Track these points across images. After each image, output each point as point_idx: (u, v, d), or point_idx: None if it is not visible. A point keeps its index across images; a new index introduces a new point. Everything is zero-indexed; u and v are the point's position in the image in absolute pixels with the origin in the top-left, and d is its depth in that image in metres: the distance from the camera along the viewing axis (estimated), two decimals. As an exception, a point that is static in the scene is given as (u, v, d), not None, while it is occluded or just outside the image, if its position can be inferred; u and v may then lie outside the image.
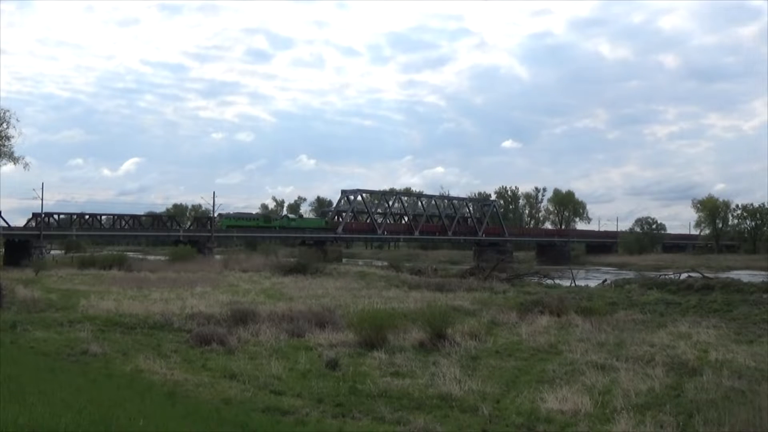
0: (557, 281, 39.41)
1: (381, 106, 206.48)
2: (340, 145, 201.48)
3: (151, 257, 71.41)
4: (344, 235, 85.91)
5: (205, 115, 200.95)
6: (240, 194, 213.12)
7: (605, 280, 40.33)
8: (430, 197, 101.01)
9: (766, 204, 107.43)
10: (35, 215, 64.84)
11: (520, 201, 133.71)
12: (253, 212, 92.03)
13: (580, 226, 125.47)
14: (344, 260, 71.31)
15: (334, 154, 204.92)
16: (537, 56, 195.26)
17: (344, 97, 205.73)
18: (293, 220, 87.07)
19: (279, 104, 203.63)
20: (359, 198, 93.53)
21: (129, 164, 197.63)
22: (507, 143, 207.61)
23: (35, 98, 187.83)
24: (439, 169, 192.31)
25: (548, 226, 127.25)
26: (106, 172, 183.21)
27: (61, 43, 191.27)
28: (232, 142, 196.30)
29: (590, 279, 47.07)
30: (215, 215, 79.11)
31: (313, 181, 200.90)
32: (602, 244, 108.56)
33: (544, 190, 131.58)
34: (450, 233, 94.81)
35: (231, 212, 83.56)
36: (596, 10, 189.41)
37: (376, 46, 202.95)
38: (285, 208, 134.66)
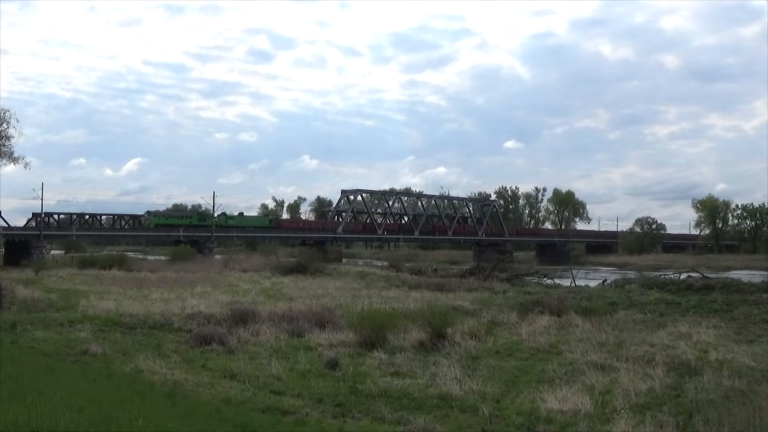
0: (557, 281, 39.37)
1: (382, 106, 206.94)
2: (341, 145, 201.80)
3: (151, 257, 71.44)
4: (344, 235, 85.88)
5: (207, 115, 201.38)
6: (242, 194, 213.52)
7: (605, 280, 40.30)
8: (430, 197, 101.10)
9: (766, 204, 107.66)
10: (35, 215, 64.85)
11: (520, 201, 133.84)
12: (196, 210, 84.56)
13: (580, 226, 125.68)
14: (344, 260, 71.28)
15: (336, 155, 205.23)
16: (538, 56, 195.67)
17: (346, 97, 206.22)
18: (231, 218, 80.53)
19: (280, 104, 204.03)
20: (359, 198, 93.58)
21: (131, 164, 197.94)
22: (508, 143, 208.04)
23: (37, 98, 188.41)
24: (441, 170, 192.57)
25: (548, 226, 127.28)
26: (108, 172, 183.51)
27: (63, 43, 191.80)
28: (233, 142, 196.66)
29: (590, 279, 47.06)
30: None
31: (315, 181, 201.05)
32: (602, 244, 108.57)
33: (544, 190, 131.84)
34: (450, 233, 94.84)
35: (162, 209, 77.17)
36: (598, 10, 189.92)
37: (377, 46, 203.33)
38: (285, 208, 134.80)
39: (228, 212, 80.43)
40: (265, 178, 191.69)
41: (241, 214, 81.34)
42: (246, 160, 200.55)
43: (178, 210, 78.47)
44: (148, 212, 74.67)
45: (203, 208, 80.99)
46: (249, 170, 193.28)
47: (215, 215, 77.35)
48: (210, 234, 72.55)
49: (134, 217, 75.68)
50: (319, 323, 17.97)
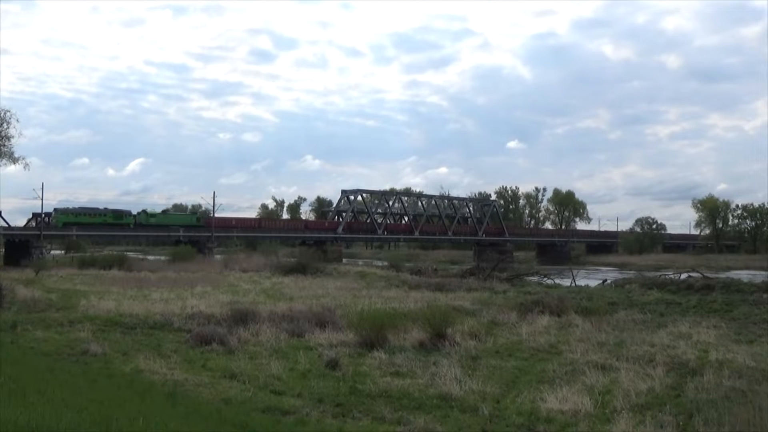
0: (557, 281, 39.39)
1: (384, 106, 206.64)
2: (343, 145, 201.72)
3: (151, 257, 71.38)
4: (344, 235, 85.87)
5: (208, 115, 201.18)
6: (243, 194, 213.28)
7: (605, 280, 40.30)
8: (430, 197, 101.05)
9: (766, 204, 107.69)
10: (35, 215, 64.65)
11: (521, 201, 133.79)
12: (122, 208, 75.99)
13: (581, 226, 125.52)
14: (344, 260, 71.29)
15: (337, 155, 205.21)
16: (540, 57, 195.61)
17: (347, 97, 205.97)
18: (153, 216, 72.13)
19: (282, 104, 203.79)
20: (359, 198, 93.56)
21: (133, 165, 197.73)
22: (510, 144, 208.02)
23: (38, 98, 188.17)
24: (443, 170, 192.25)
25: (548, 226, 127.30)
26: (110, 172, 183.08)
27: (65, 43, 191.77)
28: (235, 142, 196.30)
29: (590, 279, 47.04)
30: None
31: (317, 182, 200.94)
32: (602, 244, 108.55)
33: (544, 190, 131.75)
34: (450, 233, 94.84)
35: (73, 206, 69.29)
36: (600, 10, 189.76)
37: (379, 46, 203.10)
38: (285, 209, 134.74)
39: (149, 210, 74.11)
40: (267, 178, 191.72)
41: (164, 211, 75.09)
42: (247, 161, 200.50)
43: (91, 209, 68.63)
44: (56, 209, 66.91)
45: (203, 208, 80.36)
46: (251, 170, 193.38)
47: (134, 213, 70.89)
48: (211, 234, 72.49)
49: (48, 215, 68.25)
50: (319, 323, 17.98)
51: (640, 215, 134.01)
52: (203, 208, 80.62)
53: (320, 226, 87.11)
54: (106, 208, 69.36)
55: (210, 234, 72.50)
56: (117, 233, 69.27)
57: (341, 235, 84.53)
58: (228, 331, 16.42)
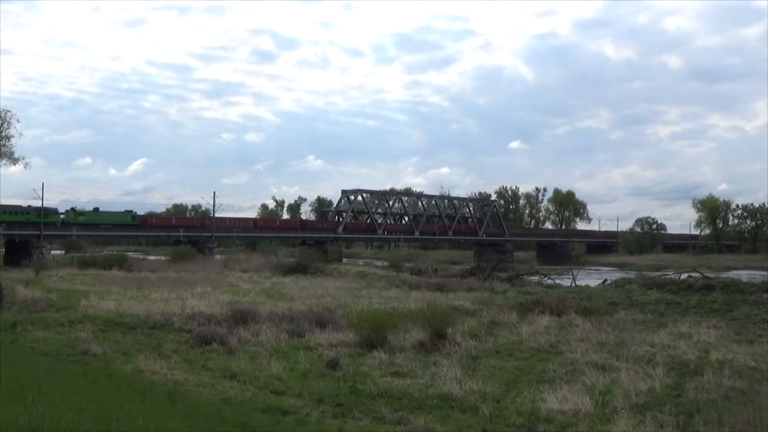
0: (557, 281, 39.38)
1: (385, 106, 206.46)
2: (344, 145, 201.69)
3: (151, 257, 71.39)
4: (344, 235, 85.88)
5: (209, 115, 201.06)
6: (245, 195, 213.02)
7: (605, 280, 40.29)
8: (430, 197, 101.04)
9: (766, 204, 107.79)
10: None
11: (521, 201, 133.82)
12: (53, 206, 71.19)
13: (581, 226, 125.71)
14: (344, 260, 71.30)
15: (339, 155, 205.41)
16: (541, 57, 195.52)
17: (348, 97, 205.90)
18: (82, 214, 67.76)
19: (283, 105, 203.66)
20: (359, 198, 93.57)
21: (135, 165, 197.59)
22: (512, 144, 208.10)
23: (40, 98, 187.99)
24: (444, 170, 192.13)
25: (548, 226, 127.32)
26: (112, 172, 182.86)
27: (67, 43, 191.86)
28: (236, 142, 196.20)
29: (590, 279, 47.01)
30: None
31: (318, 182, 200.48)
32: (602, 244, 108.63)
33: (545, 190, 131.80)
34: (450, 233, 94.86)
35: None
36: (601, 11, 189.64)
37: (380, 46, 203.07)
38: (285, 208, 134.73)
39: (78, 207, 69.84)
40: (269, 179, 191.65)
41: (96, 209, 70.94)
42: (249, 161, 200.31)
43: (13, 206, 64.14)
44: None
45: (203, 209, 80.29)
46: (252, 170, 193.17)
47: (59, 211, 67.41)
48: (211, 234, 72.47)
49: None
50: (320, 323, 17.99)
51: (640, 215, 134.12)
52: (203, 208, 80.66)
53: (270, 225, 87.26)
54: (29, 206, 65.62)
55: (210, 234, 72.57)
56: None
57: (341, 235, 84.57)
58: (228, 331, 16.43)
